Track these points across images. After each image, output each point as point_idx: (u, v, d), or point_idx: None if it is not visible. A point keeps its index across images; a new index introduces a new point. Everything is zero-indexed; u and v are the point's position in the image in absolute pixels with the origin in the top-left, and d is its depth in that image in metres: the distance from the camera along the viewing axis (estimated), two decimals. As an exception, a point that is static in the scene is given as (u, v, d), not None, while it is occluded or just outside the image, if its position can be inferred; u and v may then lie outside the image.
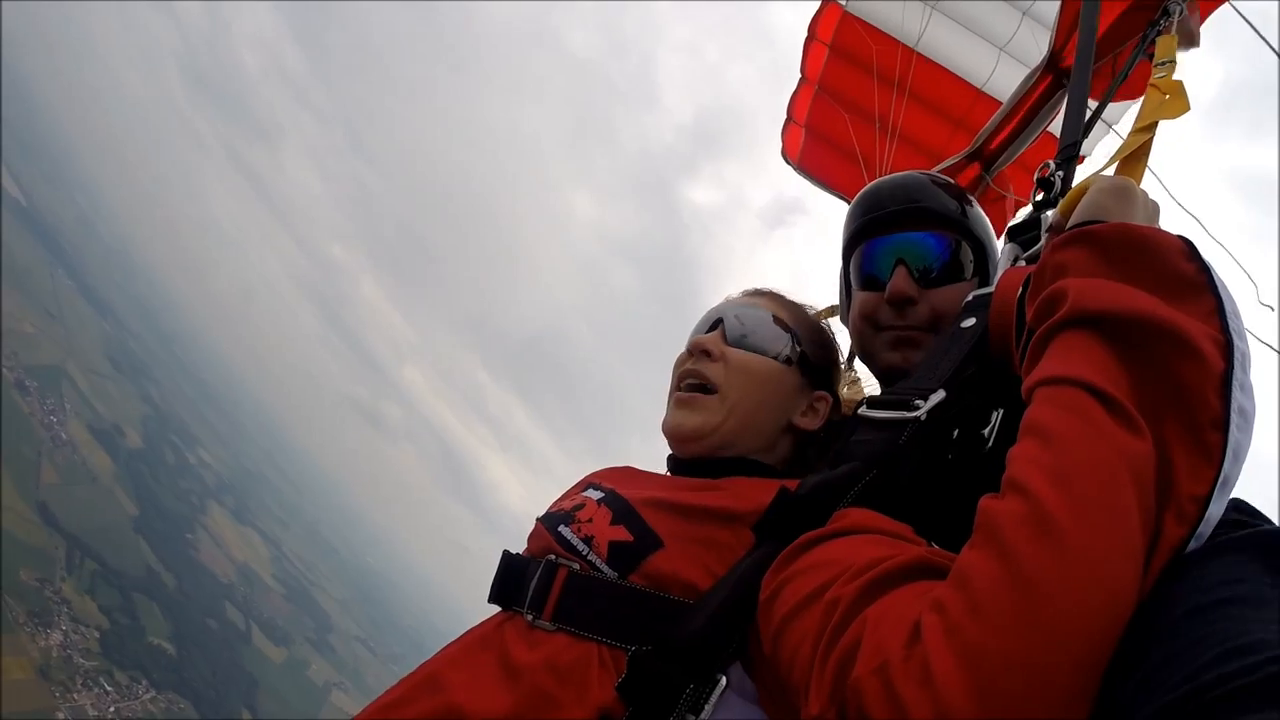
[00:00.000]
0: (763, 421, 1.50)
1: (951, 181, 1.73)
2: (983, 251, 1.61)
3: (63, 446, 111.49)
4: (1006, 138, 2.68)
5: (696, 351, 1.52)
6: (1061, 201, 1.14)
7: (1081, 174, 1.66)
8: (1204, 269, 0.87)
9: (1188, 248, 0.90)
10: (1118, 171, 1.38)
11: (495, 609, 1.33)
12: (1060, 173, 1.60)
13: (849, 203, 2.57)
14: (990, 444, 1.20)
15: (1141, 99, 1.82)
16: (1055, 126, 2.47)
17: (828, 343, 1.67)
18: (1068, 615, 0.66)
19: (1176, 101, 1.65)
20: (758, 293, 1.67)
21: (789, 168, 3.87)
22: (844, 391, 1.67)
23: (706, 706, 1.01)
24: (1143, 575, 0.71)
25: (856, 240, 1.69)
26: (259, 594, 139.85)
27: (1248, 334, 0.85)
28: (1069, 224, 1.05)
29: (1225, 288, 0.86)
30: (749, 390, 1.48)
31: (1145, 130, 1.59)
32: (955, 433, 1.20)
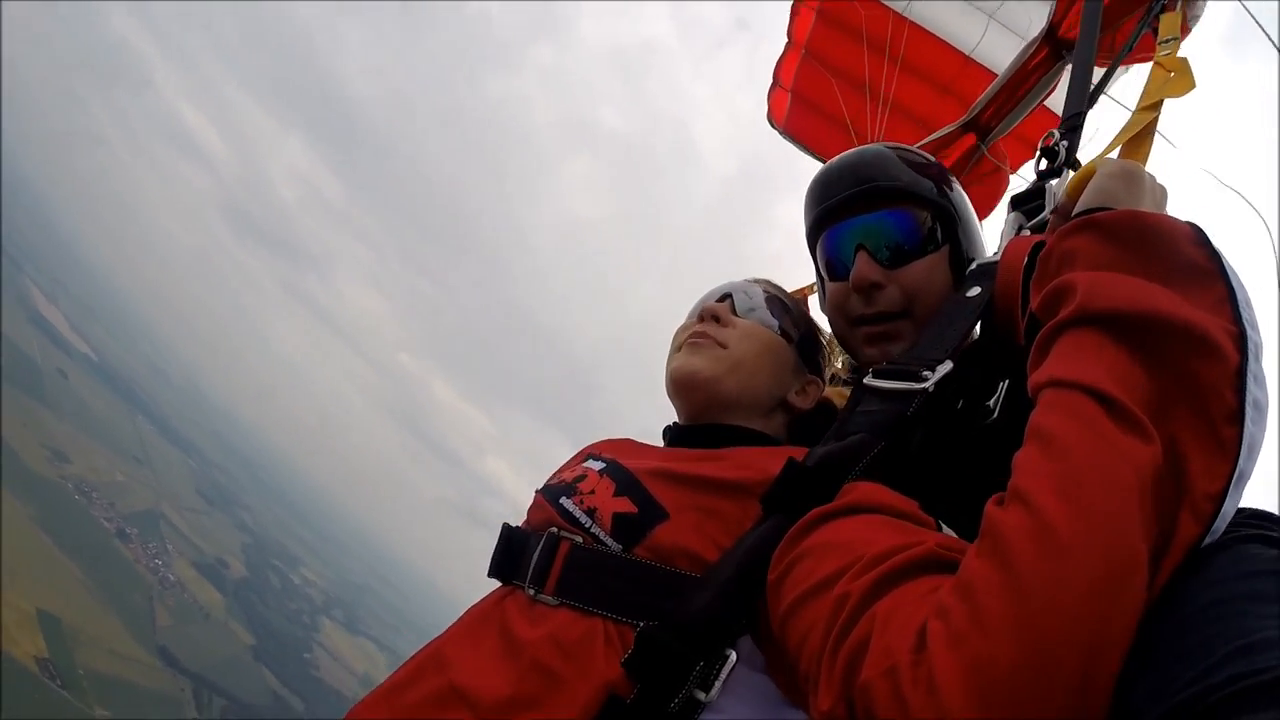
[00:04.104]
0: (761, 389, 1.49)
1: (907, 148, 1.70)
2: (948, 216, 1.55)
3: (171, 587, 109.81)
4: (1002, 109, 2.69)
5: (707, 316, 1.53)
6: (1068, 184, 1.11)
7: (1084, 156, 1.64)
8: (1214, 256, 0.86)
9: (1197, 234, 0.88)
10: (1123, 153, 1.37)
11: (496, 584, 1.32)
12: (1065, 142, 1.58)
13: None
14: (996, 414, 1.20)
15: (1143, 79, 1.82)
16: (1052, 101, 2.64)
17: (818, 334, 1.69)
18: (1070, 628, 0.66)
19: (1181, 79, 1.63)
20: (758, 281, 1.69)
21: (775, 132, 3.85)
22: (826, 389, 1.69)
23: (716, 683, 0.99)
24: (1150, 581, 0.71)
25: (816, 231, 1.65)
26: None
27: (1259, 323, 0.83)
28: (1075, 210, 1.03)
29: (1237, 275, 0.85)
30: (754, 353, 1.49)
31: (1150, 109, 1.57)
32: (960, 403, 1.20)
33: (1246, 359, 0.78)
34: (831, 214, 1.58)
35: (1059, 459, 0.75)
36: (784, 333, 1.56)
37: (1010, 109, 2.64)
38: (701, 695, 0.98)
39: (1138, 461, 0.73)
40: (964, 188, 1.56)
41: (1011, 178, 2.84)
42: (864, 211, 1.54)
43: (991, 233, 1.64)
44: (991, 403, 1.20)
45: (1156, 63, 1.68)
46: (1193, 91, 1.59)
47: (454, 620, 1.26)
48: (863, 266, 1.51)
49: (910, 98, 3.51)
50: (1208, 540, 0.75)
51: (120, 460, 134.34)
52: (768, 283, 1.69)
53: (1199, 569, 0.73)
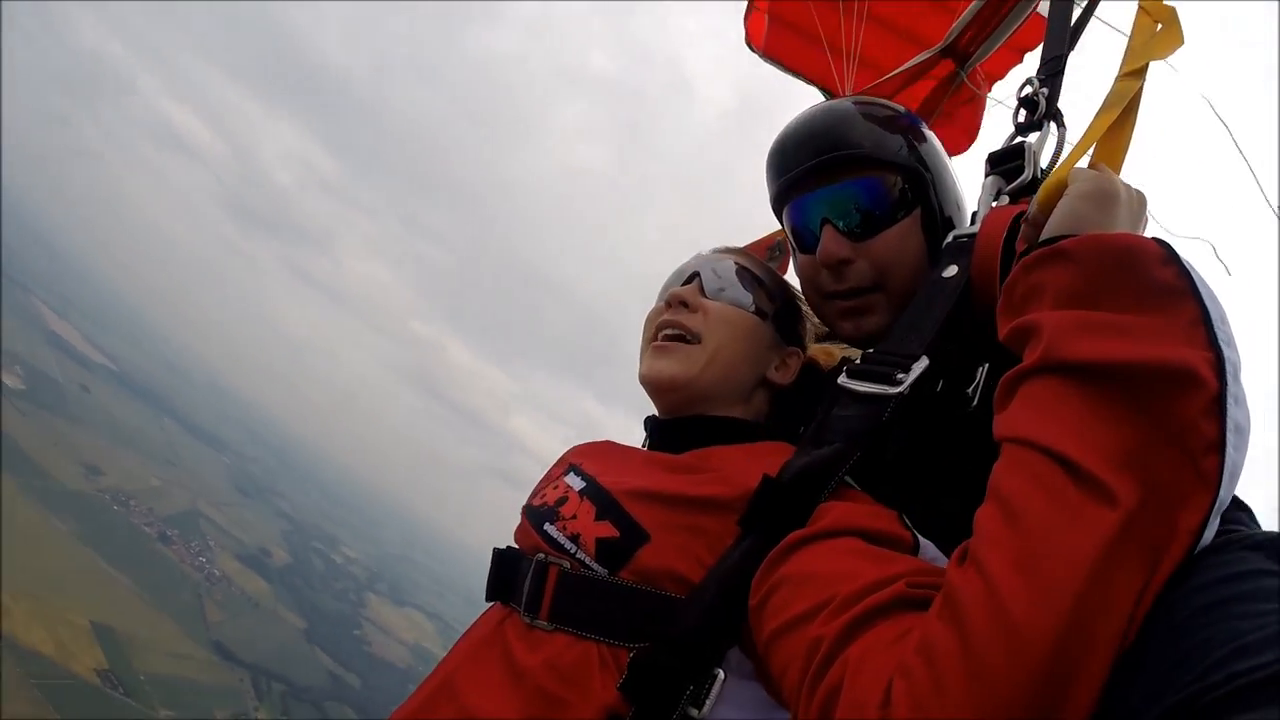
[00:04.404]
0: (740, 374, 1.48)
1: (873, 100, 1.61)
2: (918, 176, 1.47)
3: (218, 582, 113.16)
4: (981, 33, 2.46)
5: (675, 303, 1.49)
6: (1038, 195, 1.07)
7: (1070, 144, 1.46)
8: (1184, 273, 0.85)
9: (1166, 252, 0.87)
10: (1100, 145, 1.24)
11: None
12: (1045, 90, 1.46)
13: (824, 92, 2.76)
14: (975, 402, 1.18)
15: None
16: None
17: (795, 300, 1.65)
18: (1024, 702, 0.69)
19: (1168, 34, 1.40)
20: (728, 250, 1.65)
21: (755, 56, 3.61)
22: (811, 348, 1.66)
23: (707, 701, 1.04)
24: (1120, 635, 0.73)
25: (780, 202, 1.59)
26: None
27: (1235, 338, 0.82)
28: (1043, 234, 1.01)
29: (1209, 291, 0.84)
30: (729, 341, 1.46)
31: (1134, 76, 1.33)
32: (940, 384, 1.19)
33: (1225, 384, 0.77)
34: (794, 185, 1.51)
35: (1018, 529, 0.77)
36: (758, 310, 1.51)
37: (990, 32, 2.43)
38: (695, 712, 1.04)
39: (1099, 531, 0.73)
40: (943, 117, 1.50)
41: (994, 100, 2.66)
42: (827, 182, 1.47)
43: (978, 159, 1.49)
44: (970, 390, 1.17)
45: (1142, 8, 1.46)
46: (1181, 49, 1.39)
47: (461, 636, 1.34)
48: (829, 242, 1.45)
49: (893, 10, 3.24)
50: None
51: (153, 465, 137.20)
52: (738, 252, 1.63)
53: (1186, 576, 0.75)
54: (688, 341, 1.45)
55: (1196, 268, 0.86)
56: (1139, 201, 1.05)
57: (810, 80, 3.25)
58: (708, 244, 1.78)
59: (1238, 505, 0.91)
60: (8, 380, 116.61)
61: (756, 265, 1.61)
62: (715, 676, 1.05)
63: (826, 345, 1.66)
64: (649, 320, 1.54)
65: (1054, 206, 1.03)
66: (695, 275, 1.54)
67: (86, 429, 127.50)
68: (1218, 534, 0.78)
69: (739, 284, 1.53)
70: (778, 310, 1.56)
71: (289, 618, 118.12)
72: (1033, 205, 1.09)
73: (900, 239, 1.43)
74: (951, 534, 0.88)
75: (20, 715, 63.38)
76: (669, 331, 1.47)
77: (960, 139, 2.75)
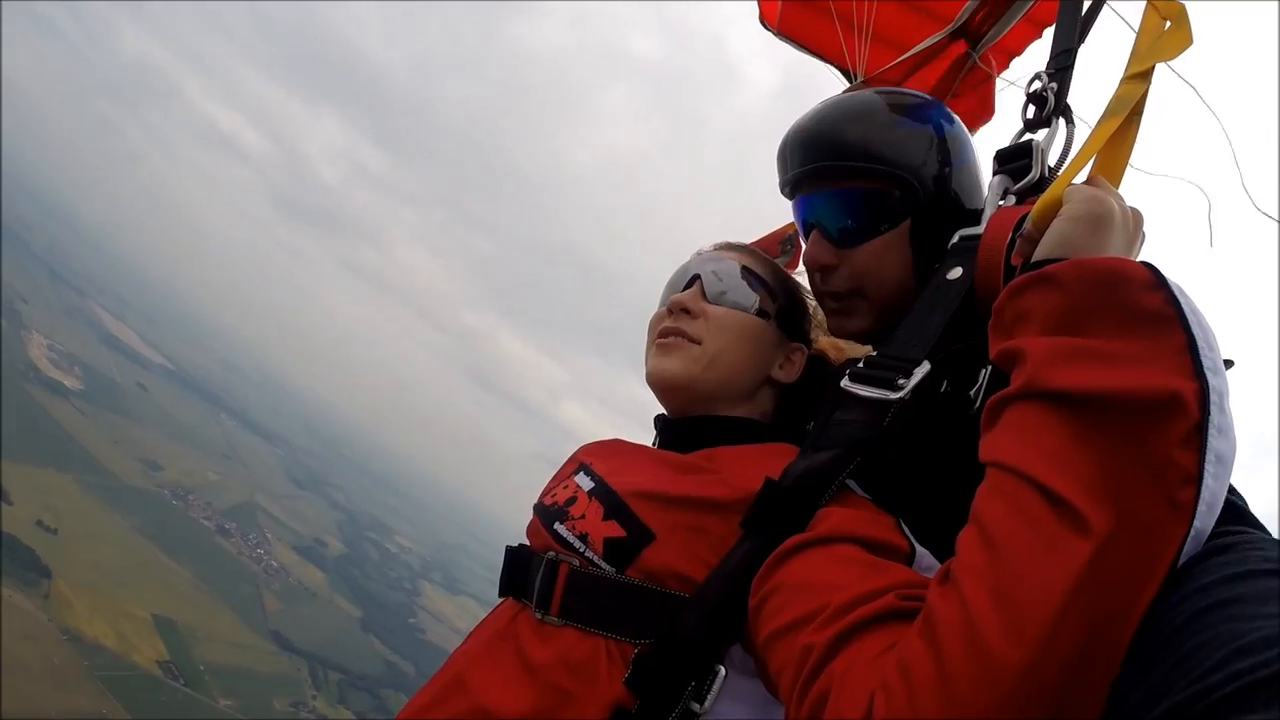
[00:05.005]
0: (743, 375, 1.50)
1: (896, 92, 1.60)
2: (910, 187, 1.43)
3: (276, 574, 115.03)
4: (994, 12, 2.42)
5: (676, 309, 1.50)
6: (1035, 207, 1.07)
7: (1075, 148, 1.43)
8: (1172, 299, 0.84)
9: (1155, 277, 0.86)
10: (1101, 154, 1.20)
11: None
12: (1054, 85, 1.43)
13: (840, 71, 2.82)
14: (978, 405, 1.18)
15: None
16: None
17: (798, 295, 1.65)
18: None
19: (1176, 33, 1.33)
20: (730, 246, 1.65)
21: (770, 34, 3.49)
22: (820, 340, 1.68)
23: (709, 697, 1.10)
24: (1099, 659, 0.75)
25: (788, 195, 1.62)
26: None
27: (1223, 365, 0.82)
28: (1035, 255, 1.02)
29: (1197, 317, 0.84)
30: (730, 345, 1.47)
31: (1139, 79, 1.28)
32: (944, 385, 1.20)
33: (1208, 414, 0.78)
34: (793, 185, 1.55)
35: (996, 556, 0.79)
36: (761, 310, 1.52)
37: (1003, 10, 2.34)
38: (697, 707, 1.09)
39: (1074, 562, 0.75)
40: (955, 99, 1.52)
41: (1005, 81, 2.49)
42: (820, 187, 1.49)
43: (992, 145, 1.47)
44: (973, 393, 1.18)
45: (1151, 4, 1.40)
46: (1189, 49, 1.32)
47: (470, 632, 1.37)
48: (813, 248, 1.49)
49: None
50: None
51: (210, 460, 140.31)
52: (740, 250, 1.63)
53: (1180, 582, 0.75)
54: (691, 339, 1.48)
55: (1185, 291, 0.86)
56: (1134, 221, 1.05)
57: (825, 58, 3.12)
58: (756, 230, 1.84)
59: (1234, 508, 0.90)
60: (67, 381, 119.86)
61: (759, 263, 1.60)
62: (717, 673, 1.11)
63: (837, 340, 1.66)
64: (652, 324, 1.56)
65: (1049, 223, 1.03)
66: (696, 278, 1.55)
67: (145, 426, 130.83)
68: (1216, 536, 0.79)
69: (741, 285, 1.53)
70: (780, 308, 1.56)
71: (345, 607, 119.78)
72: (1028, 220, 1.09)
73: (882, 251, 1.43)
74: (950, 540, 0.90)
75: (83, 707, 64.62)
76: (667, 340, 1.49)
77: (973, 121, 2.56)
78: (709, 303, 1.50)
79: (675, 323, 1.48)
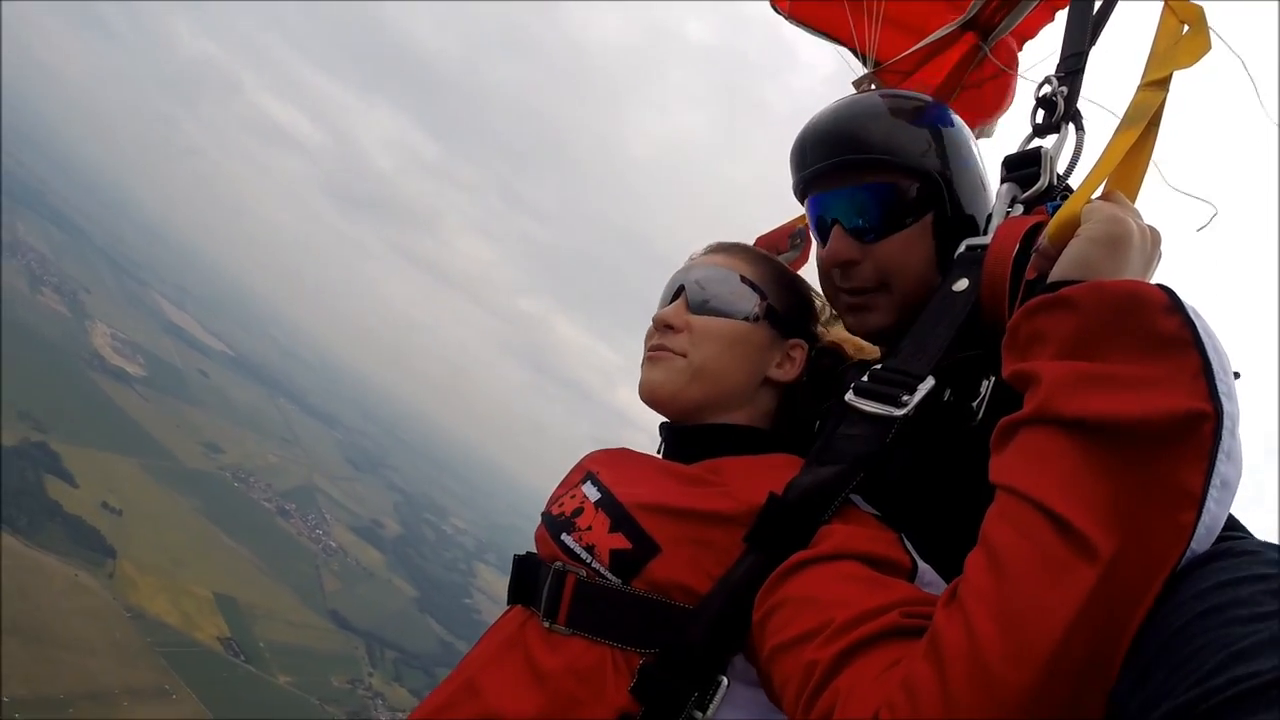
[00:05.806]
0: (734, 383, 1.49)
1: (899, 94, 1.62)
2: (933, 182, 1.45)
3: (334, 554, 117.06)
4: (1006, 3, 2.32)
5: (660, 326, 1.52)
6: (1051, 224, 1.06)
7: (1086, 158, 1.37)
8: (1188, 323, 0.84)
9: (1171, 300, 0.85)
10: (1118, 171, 1.15)
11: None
12: (1063, 89, 1.40)
13: (854, 52, 2.73)
14: (980, 416, 1.18)
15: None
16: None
17: (798, 289, 1.64)
18: None
19: (1195, 38, 1.27)
20: (720, 248, 1.64)
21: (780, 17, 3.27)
22: (829, 331, 1.68)
23: (711, 706, 1.12)
24: (1099, 680, 0.76)
25: (801, 194, 1.63)
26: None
27: (1236, 390, 0.82)
28: (1051, 275, 1.01)
29: (1212, 340, 0.84)
30: (715, 354, 1.47)
31: (1157, 86, 1.23)
32: (947, 395, 1.20)
33: (1219, 440, 0.78)
34: (811, 181, 1.55)
35: (1003, 581, 0.80)
36: (749, 315, 1.50)
37: (1016, 2, 2.27)
38: (700, 715, 1.12)
39: (1080, 588, 0.76)
40: (966, 93, 1.51)
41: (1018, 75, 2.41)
42: (840, 183, 1.49)
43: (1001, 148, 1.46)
44: (975, 404, 1.18)
45: (1168, 6, 1.34)
46: (1207, 54, 1.26)
47: (480, 638, 1.39)
48: (836, 244, 1.48)
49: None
50: None
51: (270, 443, 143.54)
52: (730, 252, 1.61)
53: (1175, 588, 0.76)
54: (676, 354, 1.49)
55: (1200, 313, 0.85)
56: (1153, 241, 1.04)
57: (837, 40, 2.93)
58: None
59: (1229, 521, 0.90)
60: (130, 369, 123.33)
61: (749, 262, 1.58)
62: (719, 683, 1.13)
63: (852, 338, 1.64)
64: (645, 338, 1.57)
65: (1066, 241, 1.02)
66: (680, 290, 1.54)
67: (206, 411, 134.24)
68: (1214, 541, 0.80)
69: (725, 290, 1.52)
70: (771, 307, 1.54)
71: (402, 587, 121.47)
72: (1044, 237, 1.08)
73: (907, 244, 1.44)
74: (952, 554, 0.89)
75: (146, 682, 66.23)
76: (654, 355, 1.51)
77: (984, 115, 2.53)
78: (692, 313, 1.50)
79: (660, 339, 1.49)
